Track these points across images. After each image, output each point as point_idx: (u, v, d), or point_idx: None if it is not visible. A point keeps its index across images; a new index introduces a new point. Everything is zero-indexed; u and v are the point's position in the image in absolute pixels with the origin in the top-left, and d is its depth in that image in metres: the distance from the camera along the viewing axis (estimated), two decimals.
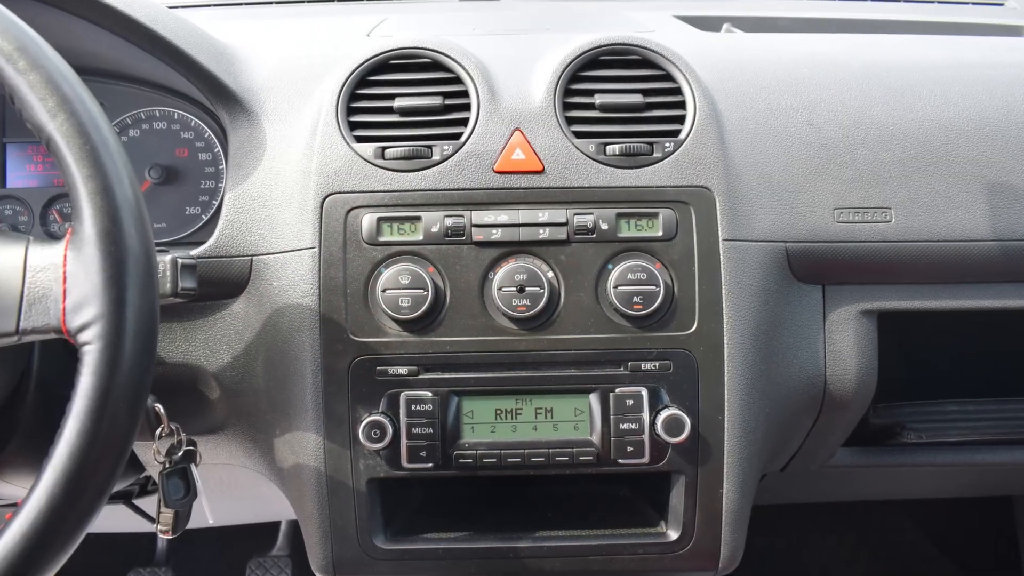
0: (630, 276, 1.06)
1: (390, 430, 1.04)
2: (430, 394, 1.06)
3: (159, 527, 1.11)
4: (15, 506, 0.77)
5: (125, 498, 1.38)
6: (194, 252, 1.10)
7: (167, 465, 1.09)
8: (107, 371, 0.75)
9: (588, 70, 1.13)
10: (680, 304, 1.07)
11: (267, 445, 1.14)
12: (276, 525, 2.22)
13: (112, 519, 1.46)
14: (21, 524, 0.75)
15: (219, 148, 1.22)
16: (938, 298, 1.17)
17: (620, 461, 1.07)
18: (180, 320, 1.13)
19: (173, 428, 1.07)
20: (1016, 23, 1.62)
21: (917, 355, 1.36)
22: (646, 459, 1.07)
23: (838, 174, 1.13)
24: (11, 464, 1.09)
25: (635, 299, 1.06)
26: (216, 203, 1.21)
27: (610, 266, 1.07)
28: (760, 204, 1.11)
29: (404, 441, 1.05)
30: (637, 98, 1.11)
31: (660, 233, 1.07)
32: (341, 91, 1.11)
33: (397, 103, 1.10)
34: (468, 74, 1.12)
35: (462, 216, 1.07)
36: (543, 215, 1.07)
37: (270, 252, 1.10)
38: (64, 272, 0.78)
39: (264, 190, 1.12)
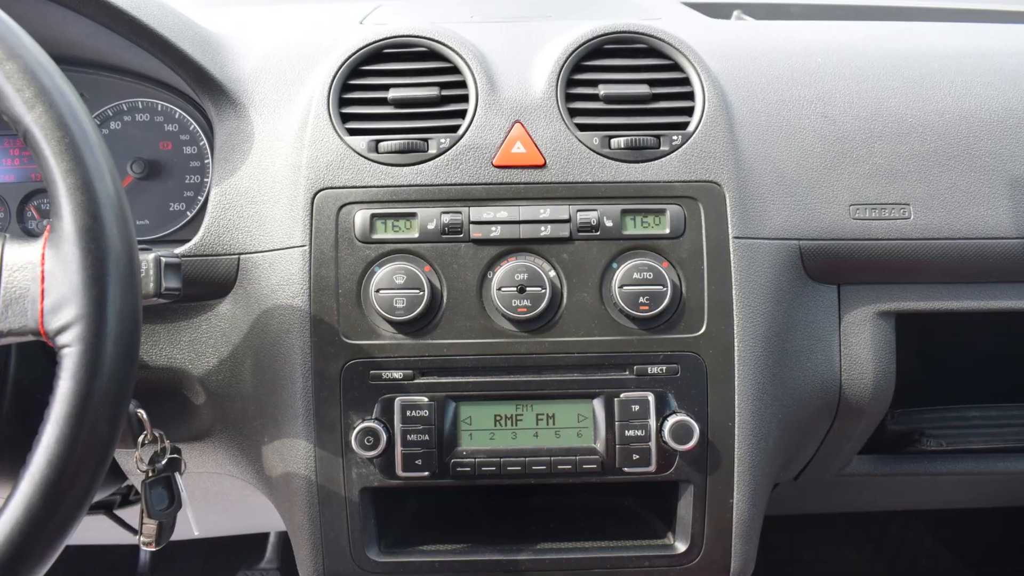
0: (636, 275, 1.03)
1: (384, 437, 1.02)
2: (426, 399, 1.04)
3: (142, 539, 1.10)
4: None
5: (106, 508, 1.38)
6: (178, 250, 1.08)
7: (150, 474, 1.07)
8: (87, 375, 0.73)
9: (592, 59, 1.12)
10: (688, 305, 1.05)
11: (255, 453, 1.12)
12: (264, 537, 2.22)
13: (93, 530, 1.46)
14: None
15: (205, 141, 1.20)
16: (959, 298, 1.15)
17: (625, 469, 1.05)
18: (164, 322, 1.11)
19: (156, 435, 1.06)
20: None
21: (937, 358, 1.35)
22: (653, 467, 1.05)
23: (854, 169, 1.12)
24: None
25: (641, 300, 1.03)
26: (201, 199, 1.19)
27: (615, 265, 1.05)
28: (772, 200, 1.09)
29: (399, 449, 1.03)
30: (643, 89, 1.09)
31: (667, 230, 1.05)
32: (333, 81, 1.09)
33: (391, 94, 1.09)
34: (466, 63, 1.10)
35: (460, 213, 1.05)
36: (545, 211, 1.05)
37: (258, 250, 1.08)
38: (42, 271, 0.76)
39: (252, 185, 1.10)
